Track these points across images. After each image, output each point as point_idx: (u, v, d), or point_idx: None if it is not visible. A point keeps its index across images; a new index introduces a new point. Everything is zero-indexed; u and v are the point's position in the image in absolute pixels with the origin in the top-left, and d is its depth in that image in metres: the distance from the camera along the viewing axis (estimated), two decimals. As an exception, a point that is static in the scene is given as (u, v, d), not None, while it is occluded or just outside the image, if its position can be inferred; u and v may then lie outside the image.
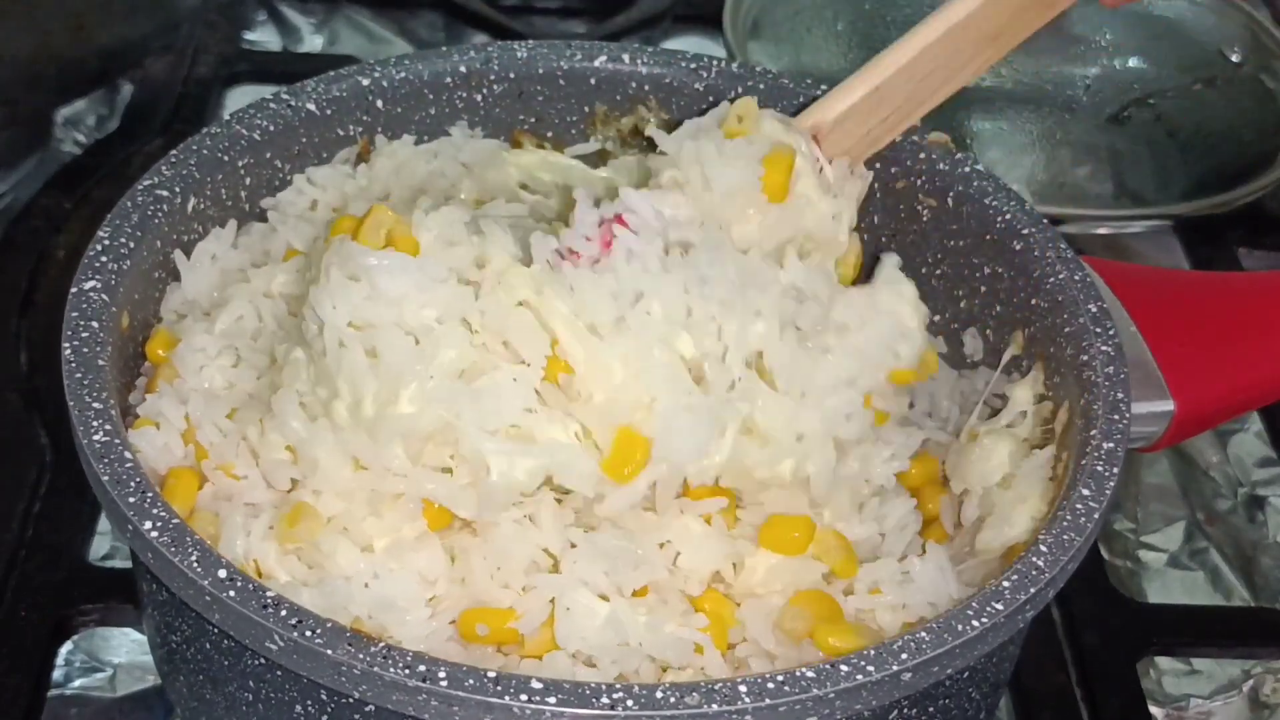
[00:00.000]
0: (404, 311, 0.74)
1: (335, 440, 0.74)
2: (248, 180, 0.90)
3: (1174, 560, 1.04)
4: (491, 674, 0.62)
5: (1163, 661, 0.97)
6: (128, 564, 0.95)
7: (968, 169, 0.89)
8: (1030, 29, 0.85)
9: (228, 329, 0.83)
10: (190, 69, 1.33)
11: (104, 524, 0.98)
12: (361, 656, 0.63)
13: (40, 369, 1.06)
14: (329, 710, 0.68)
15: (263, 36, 1.42)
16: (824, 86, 0.94)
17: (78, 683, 0.91)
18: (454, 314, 0.75)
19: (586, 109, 0.97)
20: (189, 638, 0.74)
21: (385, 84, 0.93)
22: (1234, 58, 1.32)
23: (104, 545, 0.97)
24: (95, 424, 0.71)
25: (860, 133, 0.86)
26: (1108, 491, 0.74)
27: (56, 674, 0.91)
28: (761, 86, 0.95)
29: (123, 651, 0.92)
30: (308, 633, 0.64)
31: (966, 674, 0.74)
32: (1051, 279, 0.84)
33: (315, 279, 0.77)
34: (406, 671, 0.62)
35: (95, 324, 0.76)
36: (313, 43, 1.42)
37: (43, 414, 1.02)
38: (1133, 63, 1.33)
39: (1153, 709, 0.94)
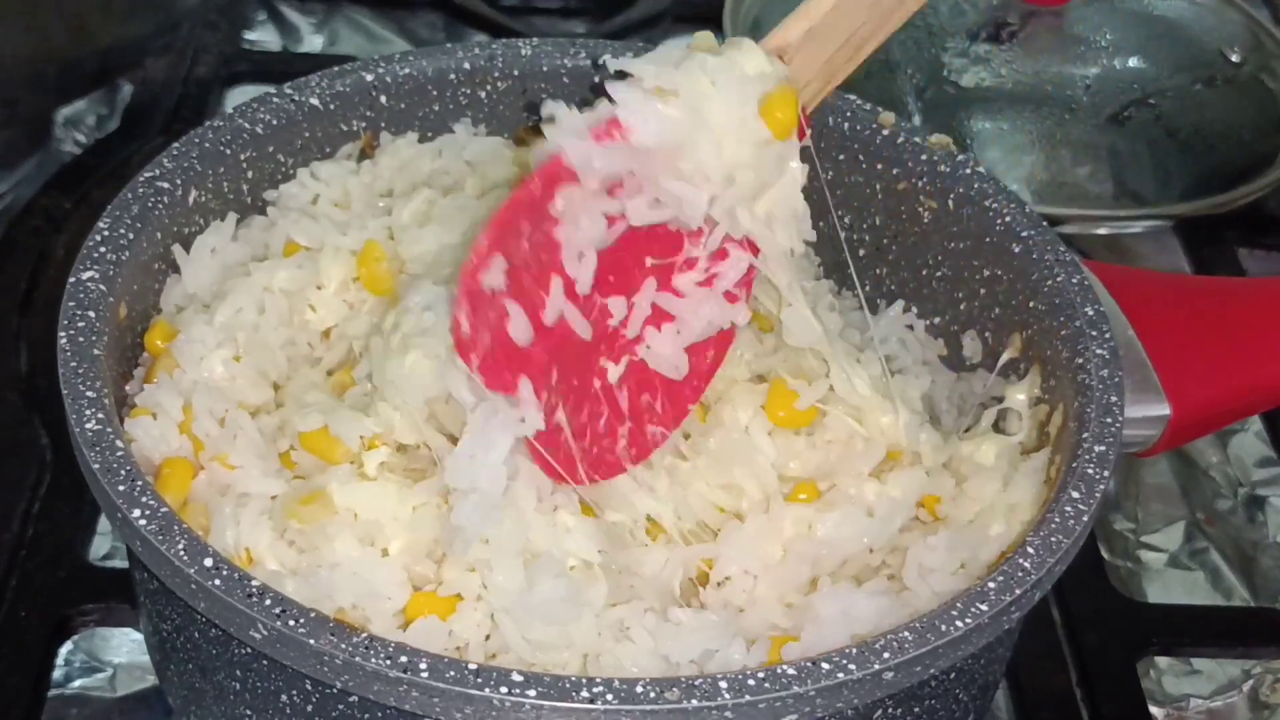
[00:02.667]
0: None
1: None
2: (249, 174, 0.90)
3: (1174, 560, 1.04)
4: (472, 666, 0.62)
5: (1163, 661, 0.97)
6: (128, 563, 0.95)
7: (968, 170, 0.89)
8: None
9: (227, 321, 0.83)
10: (190, 69, 1.33)
11: (104, 524, 0.98)
12: (344, 646, 0.63)
13: (40, 369, 1.06)
14: (313, 700, 0.68)
15: (263, 36, 1.42)
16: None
17: (78, 683, 0.91)
18: None
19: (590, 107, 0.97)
20: (178, 626, 0.75)
21: (389, 80, 0.93)
22: (1234, 58, 1.32)
23: (104, 545, 0.98)
24: (88, 412, 0.71)
25: (823, 57, 0.80)
26: (1098, 494, 0.73)
27: (56, 674, 0.91)
28: (764, 86, 0.94)
29: (123, 651, 0.92)
30: (290, 622, 0.64)
31: (953, 675, 0.74)
32: (1049, 282, 0.84)
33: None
34: (388, 662, 0.62)
35: (92, 314, 0.76)
36: (313, 43, 1.42)
37: (43, 414, 1.02)
38: (1133, 63, 1.33)
39: (1153, 709, 0.94)
